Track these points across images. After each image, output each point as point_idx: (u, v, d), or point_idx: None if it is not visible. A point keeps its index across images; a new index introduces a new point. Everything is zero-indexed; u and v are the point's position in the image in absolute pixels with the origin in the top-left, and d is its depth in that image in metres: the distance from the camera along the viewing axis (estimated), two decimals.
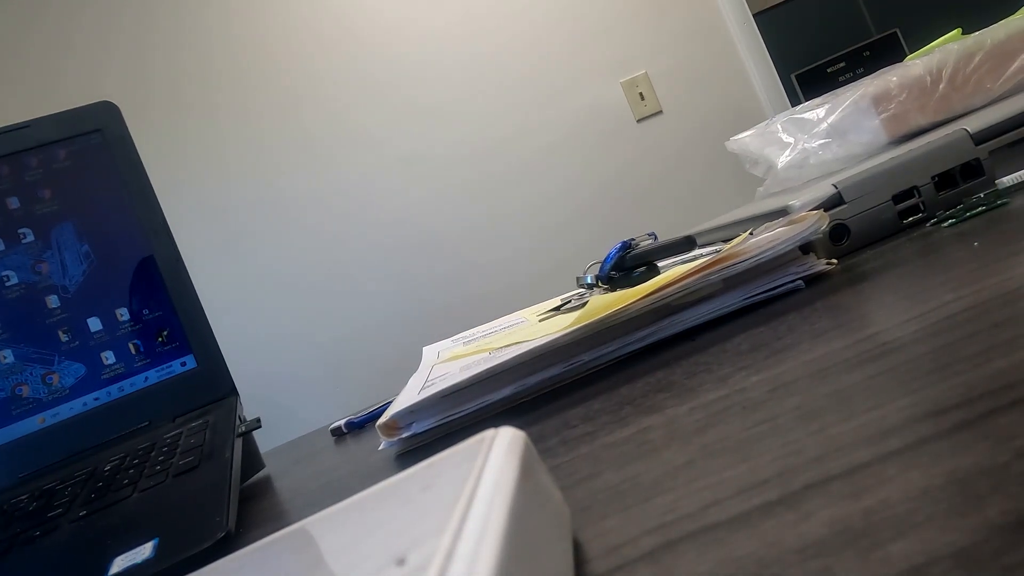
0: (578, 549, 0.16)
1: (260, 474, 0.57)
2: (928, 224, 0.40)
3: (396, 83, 1.97)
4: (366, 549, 0.13)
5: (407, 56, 1.97)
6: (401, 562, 0.12)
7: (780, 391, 0.22)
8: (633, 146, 1.96)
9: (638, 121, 1.96)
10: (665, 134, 1.95)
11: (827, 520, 0.13)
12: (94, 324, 0.57)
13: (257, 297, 1.96)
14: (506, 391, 0.37)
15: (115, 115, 0.61)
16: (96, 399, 0.56)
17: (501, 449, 0.16)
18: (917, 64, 0.51)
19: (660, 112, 1.96)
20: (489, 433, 0.18)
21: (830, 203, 0.42)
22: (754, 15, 1.99)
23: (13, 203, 0.57)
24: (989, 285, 0.24)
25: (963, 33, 0.59)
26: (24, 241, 0.57)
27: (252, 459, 0.56)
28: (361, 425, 0.61)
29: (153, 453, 0.48)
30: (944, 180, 0.42)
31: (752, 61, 1.94)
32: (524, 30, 1.97)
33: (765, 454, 0.17)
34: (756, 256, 0.37)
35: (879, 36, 3.36)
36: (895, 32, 3.32)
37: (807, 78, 3.39)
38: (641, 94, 1.96)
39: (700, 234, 0.59)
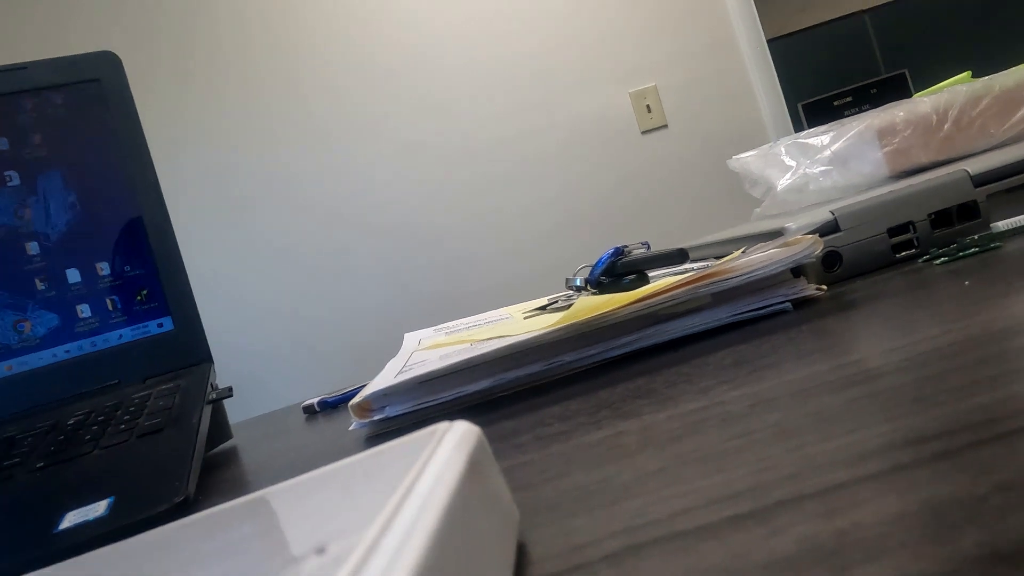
0: (525, 554, 0.16)
1: (227, 444, 0.56)
2: (920, 260, 0.40)
3: (404, 73, 1.96)
4: (290, 534, 0.13)
5: (417, 47, 1.96)
6: (321, 551, 0.11)
7: (760, 407, 0.21)
8: (635, 157, 1.96)
9: (642, 133, 1.96)
10: (668, 148, 1.96)
11: (797, 537, 0.13)
12: (73, 276, 0.56)
13: (243, 269, 1.95)
14: (484, 383, 0.37)
15: (116, 66, 0.60)
16: (67, 352, 0.55)
17: (451, 443, 0.16)
18: (925, 102, 0.51)
19: (665, 126, 1.96)
20: (443, 426, 0.17)
21: (826, 229, 0.42)
22: (768, 41, 2.00)
23: (2, 144, 0.56)
24: (977, 322, 0.23)
25: (972, 77, 0.59)
26: (9, 184, 0.56)
27: (220, 428, 0.55)
28: (334, 405, 0.60)
29: (119, 412, 0.47)
30: (940, 218, 0.42)
31: (761, 86, 1.95)
32: (538, 31, 1.96)
33: (740, 467, 0.17)
34: (747, 274, 0.37)
35: (888, 75, 3.40)
36: (904, 72, 3.36)
37: (813, 109, 3.41)
38: (648, 106, 1.96)
39: (693, 249, 0.59)
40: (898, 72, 3.47)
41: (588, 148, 1.96)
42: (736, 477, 0.16)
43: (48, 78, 0.58)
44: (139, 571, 0.13)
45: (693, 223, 1.93)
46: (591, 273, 0.52)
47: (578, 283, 0.53)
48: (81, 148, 0.58)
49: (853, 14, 3.78)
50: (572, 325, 0.36)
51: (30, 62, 0.58)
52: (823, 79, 3.56)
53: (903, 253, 0.42)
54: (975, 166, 0.43)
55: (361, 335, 1.92)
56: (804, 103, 3.35)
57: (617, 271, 0.52)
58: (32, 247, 0.56)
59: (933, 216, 0.42)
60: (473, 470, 0.15)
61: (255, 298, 1.94)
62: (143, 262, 0.58)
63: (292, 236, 1.95)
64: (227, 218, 1.94)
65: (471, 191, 1.96)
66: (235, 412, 1.59)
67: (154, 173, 0.60)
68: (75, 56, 0.59)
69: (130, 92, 0.60)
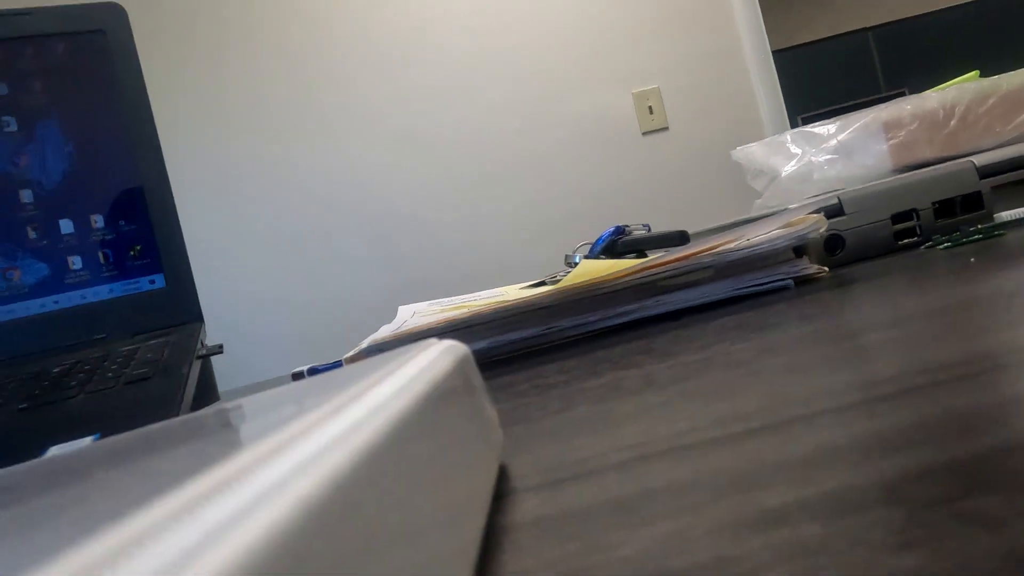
0: (507, 478, 0.15)
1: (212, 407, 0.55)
2: (923, 247, 0.40)
3: (407, 61, 1.96)
4: (264, 423, 0.12)
5: (422, 36, 1.96)
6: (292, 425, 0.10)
7: (765, 354, 0.21)
8: (635, 157, 1.96)
9: (643, 134, 1.97)
10: (668, 150, 1.96)
11: (813, 444, 0.12)
12: (66, 226, 0.55)
13: (234, 246, 1.93)
14: (480, 344, 0.37)
15: (122, 18, 0.59)
16: (56, 302, 0.54)
17: (438, 350, 0.15)
18: (932, 97, 0.51)
19: (666, 128, 1.96)
20: (432, 340, 0.17)
21: (830, 212, 0.41)
22: (772, 52, 2.01)
23: (2, 89, 0.55)
24: (973, 288, 0.23)
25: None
26: (6, 130, 0.55)
27: (207, 389, 0.55)
28: (324, 373, 0.59)
29: (106, 363, 0.47)
30: (944, 208, 0.42)
31: (763, 95, 1.96)
32: (545, 26, 1.96)
33: (749, 396, 0.17)
34: (750, 248, 0.37)
35: (888, 93, 3.42)
36: (903, 91, 3.38)
37: (813, 122, 3.44)
38: (650, 107, 1.96)
39: (695, 235, 0.58)
40: (898, 91, 3.49)
41: (588, 146, 1.96)
42: (745, 403, 0.16)
43: (52, 25, 0.57)
44: (120, 461, 0.12)
45: (690, 225, 1.93)
46: (591, 250, 0.52)
47: (577, 260, 0.53)
48: (82, 99, 0.57)
49: (857, 31, 3.81)
50: (573, 287, 0.36)
51: (34, 8, 0.57)
52: (824, 94, 3.59)
53: (905, 240, 0.42)
54: (980, 159, 0.43)
55: (352, 316, 1.91)
56: (804, 116, 3.37)
57: (617, 250, 0.52)
58: (26, 195, 0.55)
59: (937, 205, 0.42)
60: (458, 372, 0.14)
61: (248, 271, 1.92)
62: (138, 217, 0.57)
63: (286, 216, 1.94)
64: (224, 188, 1.93)
65: (469, 182, 1.96)
66: (222, 381, 1.58)
67: (155, 129, 0.59)
68: (81, 5, 0.58)
69: (135, 46, 0.59)
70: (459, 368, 0.15)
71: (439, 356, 0.15)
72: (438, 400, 0.12)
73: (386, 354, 0.17)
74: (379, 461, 0.08)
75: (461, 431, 0.12)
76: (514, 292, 0.56)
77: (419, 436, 0.10)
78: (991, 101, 0.50)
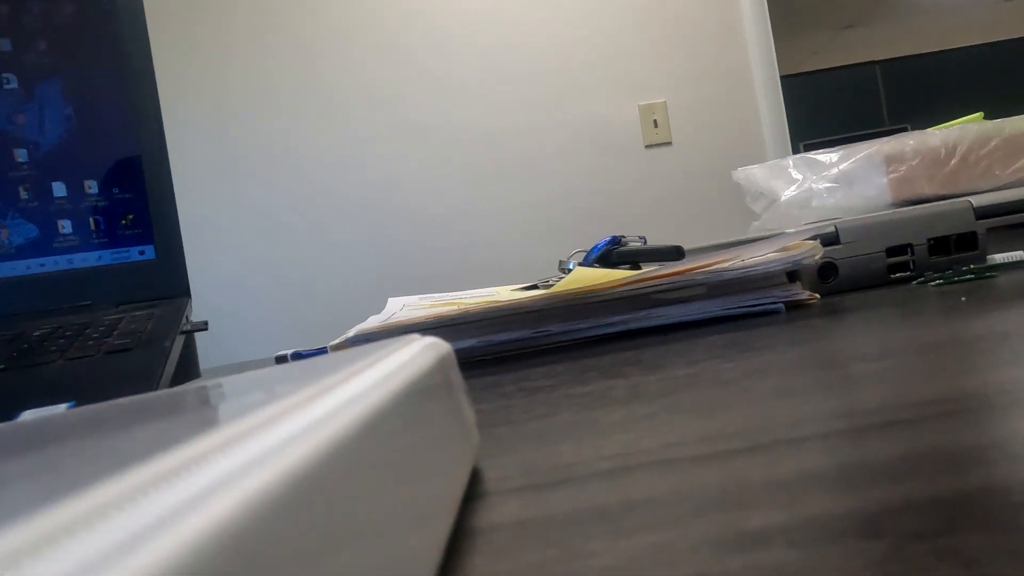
0: (488, 480, 0.15)
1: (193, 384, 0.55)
2: (915, 283, 0.40)
3: (417, 52, 1.95)
4: (233, 405, 0.12)
5: (435, 27, 1.95)
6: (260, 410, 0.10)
7: (753, 375, 0.21)
8: (636, 169, 1.97)
9: (646, 147, 1.97)
10: (669, 165, 1.97)
11: (797, 467, 0.12)
12: (58, 189, 0.55)
13: (234, 218, 1.92)
14: (468, 342, 0.36)
15: None
16: (42, 265, 0.53)
17: (420, 346, 0.15)
18: (935, 135, 0.52)
19: (669, 143, 1.97)
20: (415, 336, 0.17)
21: (826, 240, 0.42)
22: (780, 76, 2.02)
23: (4, 45, 0.55)
24: (960, 328, 0.23)
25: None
26: (6, 86, 0.54)
27: (189, 365, 0.54)
28: (307, 358, 0.59)
29: (88, 330, 0.46)
30: (939, 245, 0.42)
31: (768, 119, 1.97)
32: (559, 28, 1.96)
33: (735, 415, 0.17)
34: (745, 269, 0.37)
35: (891, 127, 3.45)
36: (906, 127, 3.42)
37: (815, 149, 3.47)
38: (655, 121, 1.97)
39: (691, 252, 0.59)
40: (900, 126, 3.52)
41: (591, 153, 1.96)
42: (732, 422, 0.16)
43: None
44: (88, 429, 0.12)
45: (686, 241, 1.94)
46: (586, 257, 0.52)
47: (571, 266, 0.53)
48: (86, 62, 0.57)
49: (865, 64, 3.85)
50: (565, 293, 0.36)
51: None
52: (827, 122, 3.62)
53: (898, 274, 0.42)
54: (978, 200, 0.43)
55: (341, 308, 1.90)
56: (806, 142, 3.40)
57: (612, 259, 0.52)
58: (20, 154, 0.54)
59: (932, 242, 0.42)
60: (438, 370, 0.14)
61: (237, 253, 1.91)
62: (133, 186, 0.57)
63: (284, 198, 1.93)
64: (222, 167, 1.92)
65: (468, 178, 1.96)
66: (204, 360, 1.56)
67: (157, 99, 0.59)
68: None
69: (143, 13, 0.59)
70: (439, 366, 0.14)
71: (420, 352, 0.14)
72: (412, 396, 0.11)
73: (369, 346, 0.17)
74: (340, 454, 0.08)
75: (434, 429, 0.12)
76: (506, 293, 0.56)
77: (387, 432, 0.09)
78: (993, 143, 0.51)
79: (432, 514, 0.10)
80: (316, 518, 0.07)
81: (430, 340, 0.16)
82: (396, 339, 0.17)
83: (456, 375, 0.16)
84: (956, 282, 0.37)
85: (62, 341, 0.43)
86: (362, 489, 0.08)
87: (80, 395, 0.33)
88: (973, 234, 0.42)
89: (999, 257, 0.41)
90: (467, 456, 0.14)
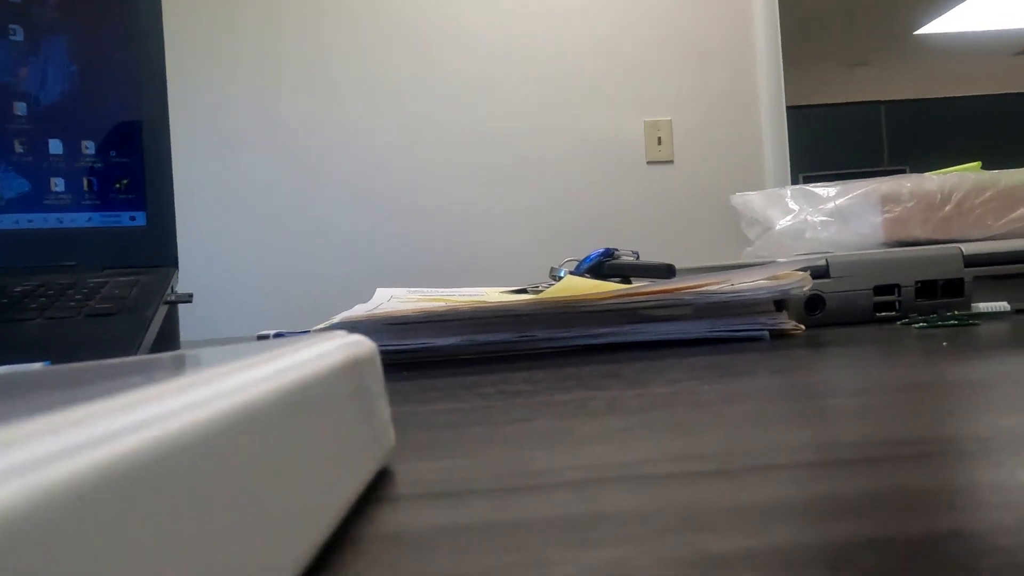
0: (394, 483, 0.15)
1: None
2: (899, 323, 0.41)
3: (428, 44, 1.95)
4: (130, 377, 0.11)
5: (447, 20, 1.95)
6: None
7: (731, 400, 0.21)
8: (636, 184, 1.98)
9: (648, 163, 1.98)
10: (669, 184, 1.98)
11: (766, 495, 0.12)
12: (55, 146, 0.54)
13: (230, 194, 1.91)
14: (452, 340, 0.36)
15: None
16: (30, 221, 0.53)
17: (335, 345, 0.14)
18: (932, 179, 0.52)
19: (671, 161, 1.98)
20: (340, 333, 0.16)
21: (816, 272, 0.42)
22: (787, 107, 2.04)
23: None
24: (936, 372, 0.24)
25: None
26: (11, 38, 0.53)
27: (170, 336, 0.54)
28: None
29: (71, 291, 0.46)
30: (926, 288, 0.43)
31: (770, 147, 1.98)
32: (573, 35, 1.97)
33: (708, 438, 0.17)
34: (733, 294, 0.37)
35: (890, 167, 3.49)
36: (904, 169, 3.45)
37: (813, 182, 3.50)
38: (659, 139, 1.98)
39: (681, 271, 0.59)
40: (899, 168, 3.56)
41: (592, 164, 1.97)
42: (705, 443, 0.16)
43: None
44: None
45: (678, 260, 1.95)
46: (577, 267, 0.52)
47: (562, 274, 0.53)
48: (96, 22, 0.56)
49: (871, 102, 3.88)
50: (554, 300, 0.36)
51: None
52: (828, 156, 3.65)
53: (883, 313, 0.43)
54: (968, 248, 0.44)
55: (329, 293, 1.89)
56: (806, 174, 3.43)
57: (603, 271, 0.52)
58: (19, 107, 0.53)
59: (919, 284, 0.42)
60: (345, 370, 0.14)
61: (231, 231, 1.90)
62: (130, 151, 0.56)
63: (283, 180, 1.92)
64: (220, 148, 1.90)
65: (468, 177, 1.96)
66: (186, 332, 1.55)
67: (163, 66, 0.58)
68: None
69: None
70: (347, 366, 0.14)
71: (331, 351, 0.14)
72: (300, 394, 0.11)
73: (292, 338, 0.17)
74: (173, 447, 0.07)
75: (323, 429, 0.12)
76: (494, 295, 0.56)
77: (249, 427, 0.09)
78: (988, 194, 0.51)
79: (300, 514, 0.10)
80: (134, 510, 0.06)
81: (355, 338, 0.16)
82: (321, 335, 0.16)
83: (373, 377, 0.16)
84: (939, 326, 0.37)
85: (43, 299, 0.43)
86: (204, 483, 0.08)
87: (56, 355, 0.33)
88: (960, 281, 0.43)
89: (983, 306, 0.41)
90: (370, 459, 0.14)
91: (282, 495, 0.09)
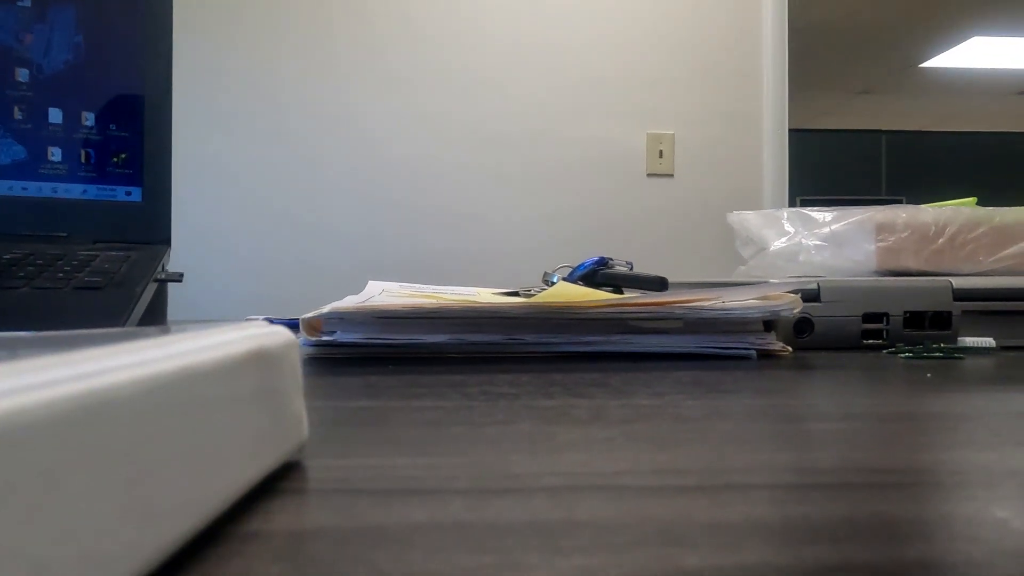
0: (303, 475, 0.15)
1: None
2: (885, 351, 0.41)
3: (438, 40, 1.95)
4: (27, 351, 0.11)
5: (457, 17, 1.95)
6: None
7: (714, 417, 0.21)
8: (634, 196, 1.98)
9: (648, 175, 1.99)
10: (668, 197, 1.98)
11: (742, 513, 0.12)
12: (54, 115, 0.54)
13: (228, 177, 1.90)
14: (440, 338, 0.36)
15: None
16: (24, 189, 0.52)
17: (244, 334, 0.14)
18: (928, 211, 0.53)
19: (671, 175, 1.99)
20: (260, 322, 0.16)
21: (807, 296, 0.42)
22: (789, 129, 2.05)
23: None
24: (918, 402, 0.24)
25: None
26: (19, 3, 0.53)
27: (157, 315, 0.53)
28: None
29: (60, 262, 0.45)
30: (914, 319, 0.43)
31: (770, 168, 2.00)
32: (582, 42, 1.97)
33: (690, 452, 0.17)
34: (723, 311, 0.37)
35: (886, 196, 3.52)
36: (901, 199, 3.48)
37: (810, 205, 3.52)
38: (661, 152, 1.98)
39: (673, 285, 0.59)
40: (896, 198, 3.59)
41: (592, 171, 1.97)
42: (685, 458, 0.16)
43: None
44: None
45: (671, 274, 1.95)
46: (571, 273, 0.52)
47: (555, 280, 0.53)
48: None
49: (872, 131, 3.91)
50: (545, 305, 0.36)
51: None
52: (826, 182, 3.67)
53: (871, 341, 0.43)
54: (958, 282, 0.44)
55: (322, 283, 1.89)
56: (803, 197, 3.45)
57: (596, 280, 0.52)
58: (22, 74, 0.53)
59: (908, 315, 0.43)
60: (248, 360, 0.13)
61: (226, 214, 1.89)
62: (130, 126, 0.56)
63: (283, 166, 1.91)
64: (222, 130, 1.90)
65: (465, 175, 1.96)
66: (174, 312, 1.54)
67: (170, 43, 0.58)
68: None
69: None
70: (248, 358, 0.13)
71: (234, 341, 0.13)
72: (172, 382, 0.11)
73: (209, 324, 0.16)
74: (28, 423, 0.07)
75: (208, 418, 0.11)
76: (486, 295, 0.56)
77: (105, 414, 0.09)
78: (981, 229, 0.52)
79: (159, 506, 0.10)
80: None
81: (274, 329, 0.15)
82: (239, 323, 0.16)
83: (283, 369, 0.15)
84: (925, 358, 0.38)
85: (31, 268, 0.42)
86: (31, 469, 0.07)
87: (41, 326, 0.33)
88: (948, 314, 0.43)
89: (969, 340, 0.41)
90: (269, 453, 0.14)
91: (134, 485, 0.09)
